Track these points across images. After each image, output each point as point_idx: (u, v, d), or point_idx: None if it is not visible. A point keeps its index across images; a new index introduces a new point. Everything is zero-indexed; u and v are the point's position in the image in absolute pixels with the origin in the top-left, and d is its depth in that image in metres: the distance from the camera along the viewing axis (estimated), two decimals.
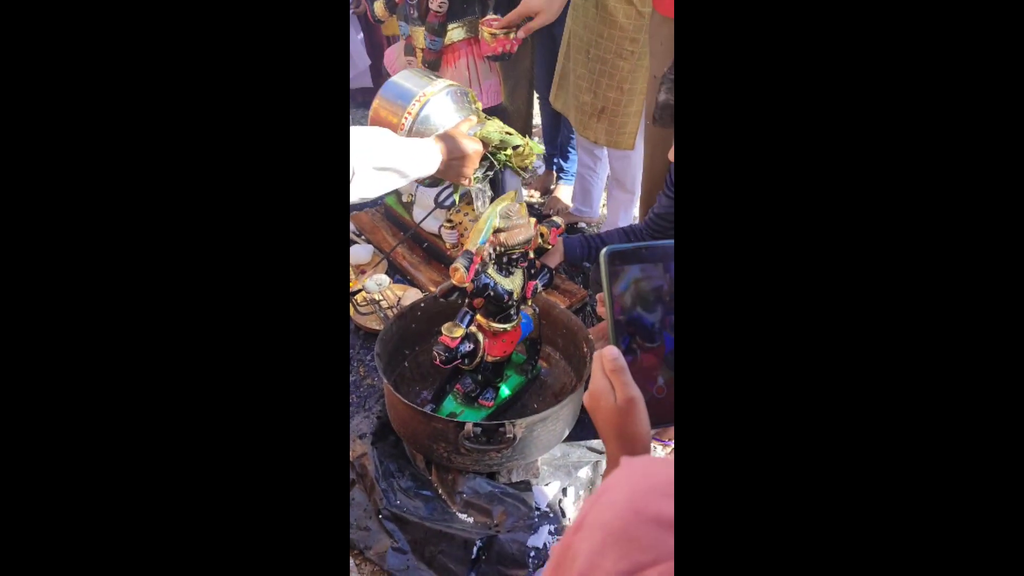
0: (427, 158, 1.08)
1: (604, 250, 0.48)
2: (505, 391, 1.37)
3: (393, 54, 1.98)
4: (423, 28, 1.73)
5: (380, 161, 0.98)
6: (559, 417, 1.23)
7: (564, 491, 1.26)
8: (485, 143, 1.19)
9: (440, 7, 1.64)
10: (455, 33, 1.73)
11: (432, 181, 1.55)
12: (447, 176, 1.17)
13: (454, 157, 1.13)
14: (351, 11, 2.35)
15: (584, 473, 1.30)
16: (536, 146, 1.26)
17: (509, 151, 1.21)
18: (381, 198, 2.33)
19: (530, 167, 1.26)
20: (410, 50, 1.83)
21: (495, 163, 1.22)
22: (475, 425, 1.14)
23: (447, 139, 1.13)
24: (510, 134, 1.21)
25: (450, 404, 1.34)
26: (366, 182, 0.96)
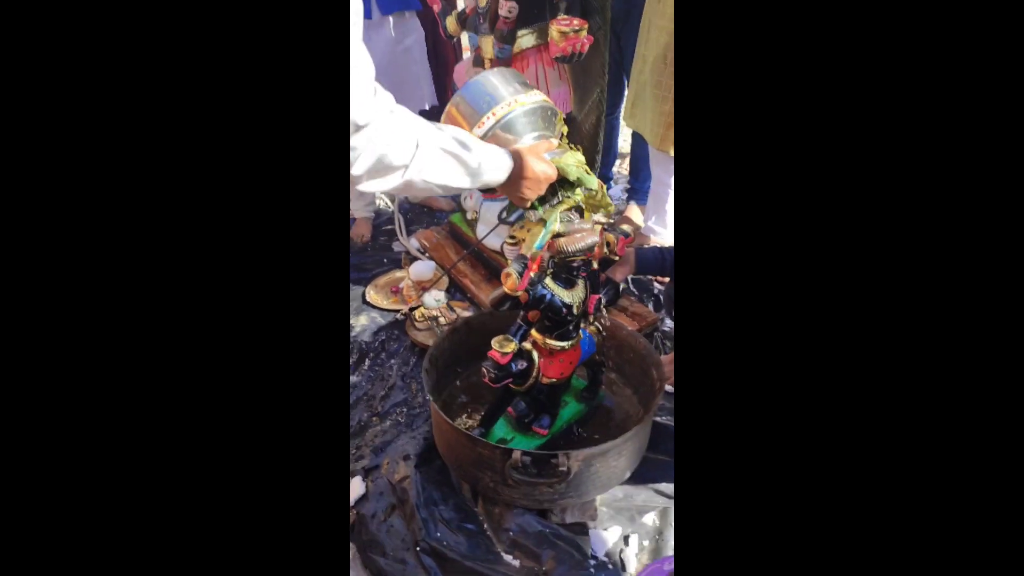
0: (497, 165, 0.99)
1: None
2: (562, 419, 1.24)
3: (463, 68, 1.94)
4: (491, 37, 1.67)
5: (449, 145, 0.89)
6: (621, 452, 1.09)
7: (626, 539, 1.12)
8: (558, 173, 1.09)
9: (510, 13, 1.58)
10: (525, 40, 1.66)
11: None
12: (508, 192, 1.07)
13: (523, 176, 1.03)
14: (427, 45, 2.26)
15: (650, 519, 1.16)
16: (610, 203, 1.14)
17: (579, 191, 1.10)
18: (445, 215, 2.29)
19: (603, 215, 1.12)
20: (479, 61, 1.78)
21: (559, 196, 1.10)
22: (524, 454, 1.02)
23: (522, 154, 1.04)
24: (588, 174, 1.10)
25: (500, 429, 1.22)
26: (428, 160, 0.86)
